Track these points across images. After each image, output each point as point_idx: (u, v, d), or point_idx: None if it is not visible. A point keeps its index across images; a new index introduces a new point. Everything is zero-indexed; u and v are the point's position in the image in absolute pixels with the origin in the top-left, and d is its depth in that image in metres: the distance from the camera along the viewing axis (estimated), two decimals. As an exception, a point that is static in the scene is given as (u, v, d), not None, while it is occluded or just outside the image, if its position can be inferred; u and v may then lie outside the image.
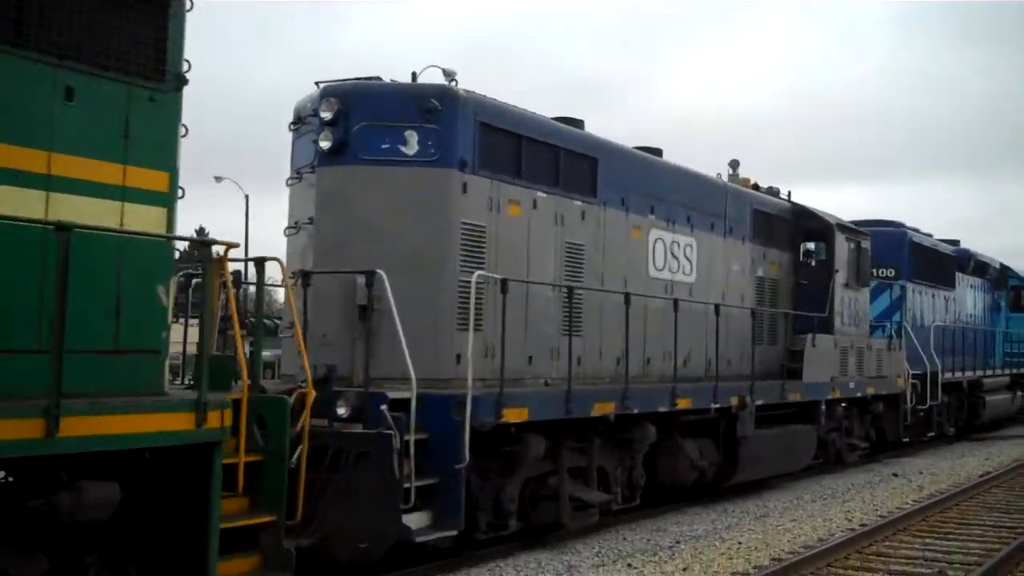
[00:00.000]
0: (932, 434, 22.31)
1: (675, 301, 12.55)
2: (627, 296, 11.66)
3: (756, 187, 16.68)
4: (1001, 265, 29.72)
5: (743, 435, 13.71)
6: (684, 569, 9.92)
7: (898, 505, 14.12)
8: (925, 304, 22.99)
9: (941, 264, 24.15)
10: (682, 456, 12.96)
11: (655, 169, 13.58)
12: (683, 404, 12.48)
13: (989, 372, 26.23)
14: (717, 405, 13.24)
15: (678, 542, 11.31)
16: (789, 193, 17.47)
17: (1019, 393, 28.86)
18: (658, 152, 14.13)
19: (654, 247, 13.23)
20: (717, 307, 13.57)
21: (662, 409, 12.11)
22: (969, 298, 26.53)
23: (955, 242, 26.71)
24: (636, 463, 12.15)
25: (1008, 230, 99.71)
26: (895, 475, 17.78)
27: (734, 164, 16.86)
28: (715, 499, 14.03)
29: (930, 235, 24.25)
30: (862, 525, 12.30)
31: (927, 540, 11.66)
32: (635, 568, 9.95)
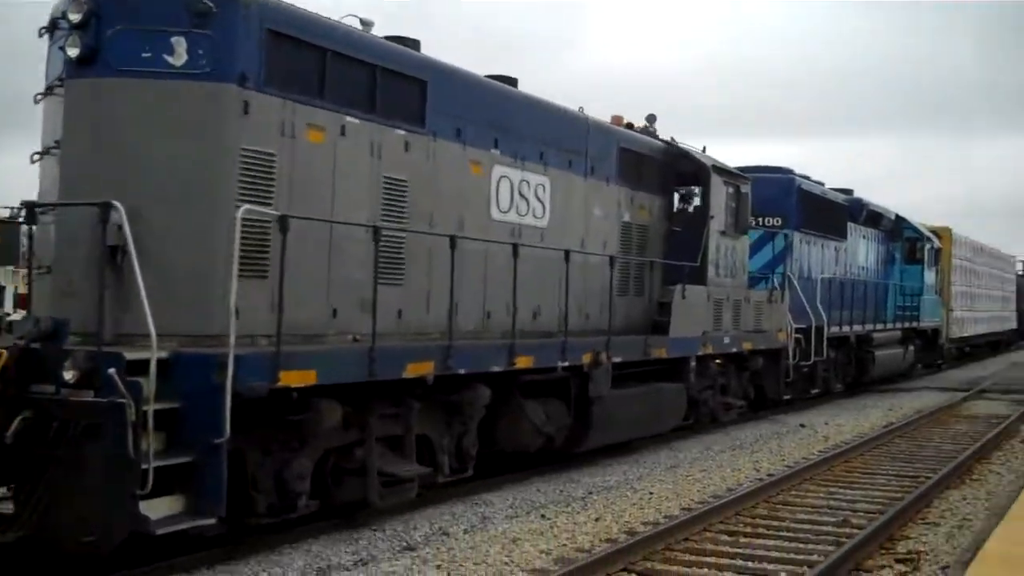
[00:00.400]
0: (816, 391, 21.35)
1: (514, 246, 11.06)
2: (452, 239, 10.11)
3: (630, 126, 15.27)
4: (896, 216, 28.65)
5: (597, 395, 12.35)
6: (596, 519, 10.16)
7: (804, 456, 14.51)
8: (814, 255, 21.93)
9: (832, 213, 23.04)
10: (524, 420, 11.56)
11: (501, 98, 12.00)
12: (523, 363, 11.05)
13: (880, 326, 25.16)
14: (566, 363, 11.85)
15: (591, 492, 11.53)
16: (672, 138, 16.05)
17: (911, 348, 28.06)
18: (512, 82, 12.59)
19: (497, 186, 11.69)
20: (567, 253, 12.09)
21: (496, 369, 10.67)
22: (861, 249, 25.69)
23: (848, 191, 25.45)
24: (468, 430, 10.72)
25: (927, 185, 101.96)
26: (802, 426, 18.14)
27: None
28: (626, 452, 14.09)
29: (822, 183, 23.09)
30: (769, 475, 12.67)
31: (832, 489, 12.08)
32: (548, 519, 10.11)
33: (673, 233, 15.61)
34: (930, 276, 30.27)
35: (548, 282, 12.24)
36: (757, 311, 17.46)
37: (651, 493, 11.52)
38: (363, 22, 10.02)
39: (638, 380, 13.81)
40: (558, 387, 12.15)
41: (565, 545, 9.05)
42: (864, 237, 25.72)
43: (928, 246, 29.99)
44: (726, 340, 16.12)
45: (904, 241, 28.99)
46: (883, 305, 26.29)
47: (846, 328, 22.21)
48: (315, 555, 8.53)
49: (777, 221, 20.31)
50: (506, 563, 8.41)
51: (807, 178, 22.05)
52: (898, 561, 8.82)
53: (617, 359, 12.73)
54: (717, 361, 16.21)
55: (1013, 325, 50.13)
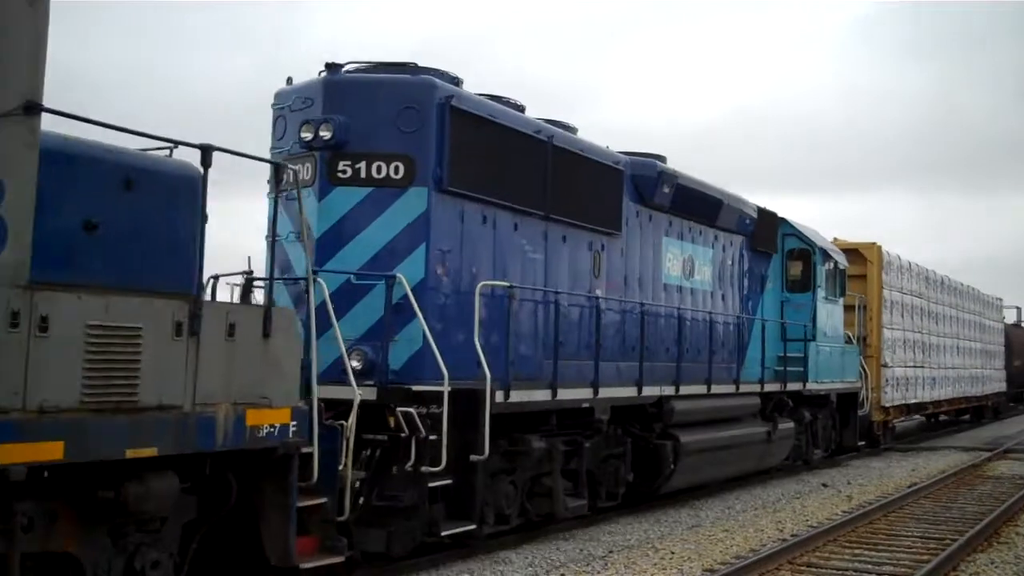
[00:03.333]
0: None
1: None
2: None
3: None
4: (765, 214, 19.14)
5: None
6: (618, 580, 10.13)
7: (828, 516, 14.45)
8: (507, 246, 11.97)
9: (586, 181, 13.67)
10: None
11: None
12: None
13: (723, 388, 16.20)
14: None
15: (611, 552, 11.53)
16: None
17: (784, 426, 18.33)
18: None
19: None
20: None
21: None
22: (672, 256, 15.98)
23: (660, 157, 15.44)
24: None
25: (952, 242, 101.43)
26: (824, 485, 18.35)
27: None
28: (648, 507, 14.42)
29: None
30: (793, 535, 12.55)
31: (857, 551, 11.99)
32: (568, 579, 10.17)
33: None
34: (833, 312, 21.33)
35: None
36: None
37: (672, 553, 11.44)
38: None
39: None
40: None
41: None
42: (686, 238, 16.39)
43: (827, 265, 20.82)
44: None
45: (784, 256, 20.22)
46: (737, 353, 17.62)
47: (579, 392, 12.37)
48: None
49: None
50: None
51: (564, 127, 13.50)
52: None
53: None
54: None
55: (1001, 387, 39.63)
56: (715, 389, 15.73)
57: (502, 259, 11.86)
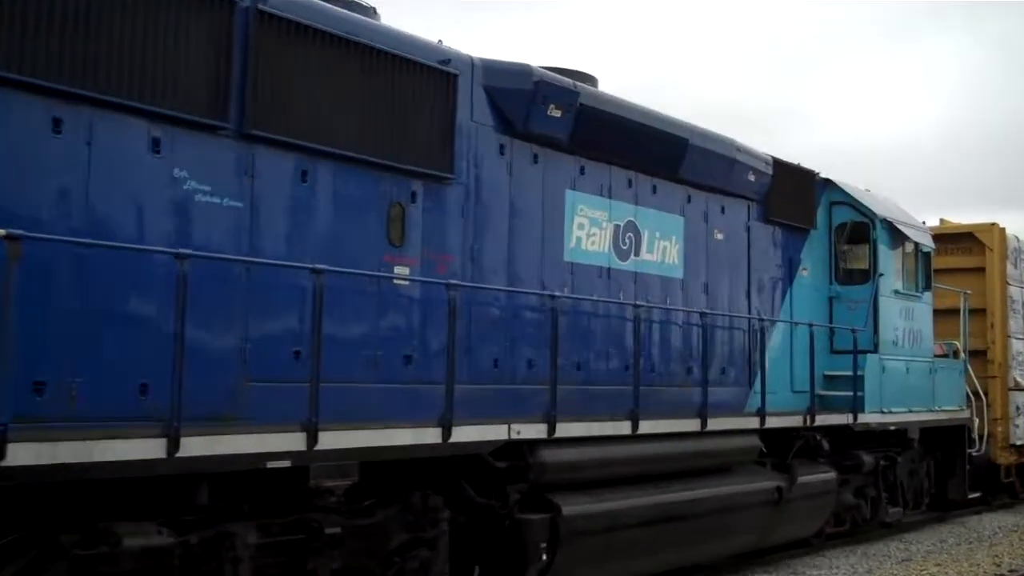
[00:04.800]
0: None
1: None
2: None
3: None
4: (792, 171, 13.47)
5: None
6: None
7: None
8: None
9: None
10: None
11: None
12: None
13: (670, 424, 10.21)
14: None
15: None
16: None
17: (807, 478, 12.28)
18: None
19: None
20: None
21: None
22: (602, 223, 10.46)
23: (588, 78, 10.59)
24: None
25: None
26: None
27: None
28: (851, 543, 14.00)
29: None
30: (1012, 571, 12.22)
31: None
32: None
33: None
34: (913, 312, 15.23)
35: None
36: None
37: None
38: None
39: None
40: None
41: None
42: (620, 195, 10.66)
43: (900, 246, 14.80)
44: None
45: (832, 233, 14.42)
46: (738, 370, 12.20)
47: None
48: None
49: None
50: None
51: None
52: None
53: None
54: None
55: None
56: (654, 426, 9.96)
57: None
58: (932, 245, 15.70)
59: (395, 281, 8.23)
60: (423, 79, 8.50)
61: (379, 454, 7.25)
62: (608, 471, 9.55)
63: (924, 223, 16.93)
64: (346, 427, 7.13)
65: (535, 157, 9.73)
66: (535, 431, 8.61)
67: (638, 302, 9.92)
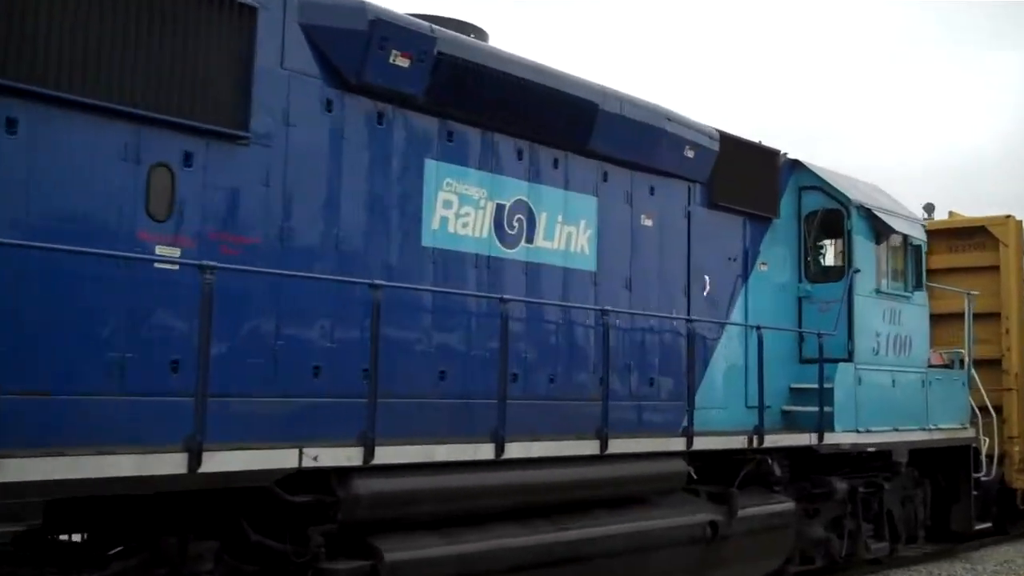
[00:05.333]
0: None
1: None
2: None
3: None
4: (747, 148, 11.49)
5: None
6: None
7: None
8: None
9: None
10: None
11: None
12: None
13: (548, 447, 8.27)
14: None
15: None
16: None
17: (751, 511, 10.38)
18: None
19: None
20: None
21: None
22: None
23: (476, 30, 9.15)
24: None
25: None
26: None
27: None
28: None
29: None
30: None
31: None
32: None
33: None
34: (900, 314, 12.97)
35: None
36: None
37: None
38: None
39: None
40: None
41: None
42: (504, 169, 8.85)
43: (883, 238, 12.58)
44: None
45: (802, 222, 12.33)
46: (677, 381, 10.24)
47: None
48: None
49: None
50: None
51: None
52: None
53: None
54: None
55: None
56: (527, 449, 8.05)
57: None
58: (923, 238, 13.56)
59: (157, 265, 6.43)
60: (206, 10, 6.71)
61: (74, 489, 5.43)
62: (466, 505, 7.67)
63: (927, 217, 14.81)
64: (35, 454, 5.34)
65: (379, 117, 7.89)
66: (345, 457, 6.75)
67: (506, 296, 7.97)
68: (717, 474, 10.56)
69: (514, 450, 7.84)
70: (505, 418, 7.73)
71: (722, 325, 11.10)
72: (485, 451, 7.66)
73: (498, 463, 7.74)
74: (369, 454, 6.81)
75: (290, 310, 7.16)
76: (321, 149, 7.48)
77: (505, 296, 7.91)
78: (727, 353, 11.13)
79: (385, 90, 7.82)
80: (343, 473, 6.79)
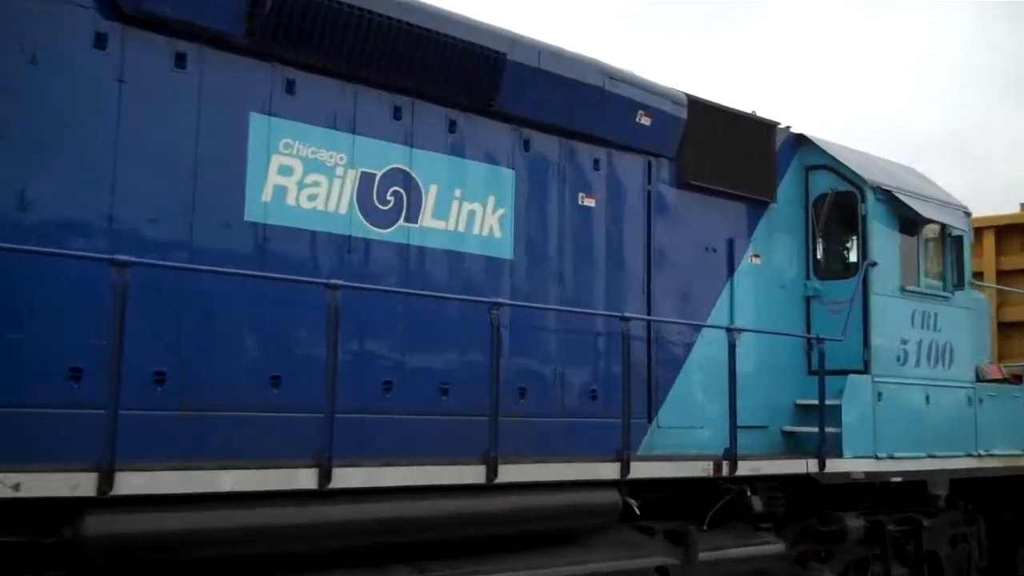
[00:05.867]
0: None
1: None
2: None
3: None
4: (729, 117, 9.48)
5: None
6: None
7: None
8: None
9: None
10: None
11: None
12: None
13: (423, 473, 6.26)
14: None
15: None
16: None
17: (714, 555, 8.32)
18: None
19: None
20: None
21: None
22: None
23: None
24: None
25: None
26: None
27: None
28: None
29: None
30: None
31: None
32: None
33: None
34: (937, 318, 10.73)
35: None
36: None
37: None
38: None
39: None
40: None
41: None
42: (373, 129, 7.15)
43: (912, 228, 10.54)
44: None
45: (810, 208, 10.36)
46: (638, 396, 8.26)
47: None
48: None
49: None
50: None
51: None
52: None
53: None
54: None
55: None
56: (369, 477, 6.29)
57: None
58: (964, 227, 11.33)
59: None
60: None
61: None
62: (285, 547, 5.96)
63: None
64: None
65: (179, 58, 6.29)
66: (68, 486, 5.10)
67: (338, 281, 6.21)
68: (696, 509, 8.67)
69: (354, 477, 6.10)
70: (331, 438, 5.98)
71: (697, 328, 9.17)
72: (306, 478, 5.93)
73: (327, 494, 6.00)
74: (106, 483, 5.15)
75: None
76: (86, 95, 5.91)
77: (335, 282, 6.17)
78: (706, 362, 9.18)
79: (185, 25, 6.23)
80: (80, 507, 5.16)
